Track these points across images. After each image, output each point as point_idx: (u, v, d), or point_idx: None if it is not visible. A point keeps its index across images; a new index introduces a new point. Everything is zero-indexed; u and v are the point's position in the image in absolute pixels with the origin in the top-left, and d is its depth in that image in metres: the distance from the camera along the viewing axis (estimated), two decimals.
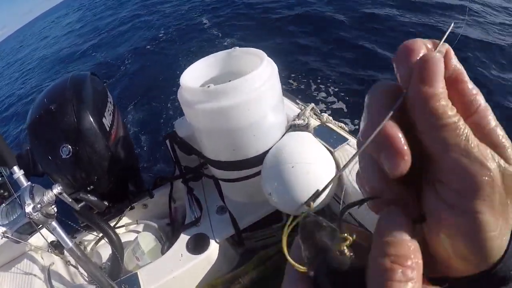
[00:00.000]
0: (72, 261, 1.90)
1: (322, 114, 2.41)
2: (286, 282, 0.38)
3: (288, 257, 0.36)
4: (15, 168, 1.73)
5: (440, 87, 0.33)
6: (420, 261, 0.33)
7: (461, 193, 0.33)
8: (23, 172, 1.74)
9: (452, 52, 0.36)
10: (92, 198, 2.34)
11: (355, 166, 1.76)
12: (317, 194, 0.43)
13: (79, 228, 2.47)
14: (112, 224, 2.48)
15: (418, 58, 0.34)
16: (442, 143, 0.34)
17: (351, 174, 1.99)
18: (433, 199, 0.36)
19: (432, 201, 0.36)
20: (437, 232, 0.36)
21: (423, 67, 0.34)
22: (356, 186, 1.90)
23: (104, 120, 2.36)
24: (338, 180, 2.07)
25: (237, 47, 2.32)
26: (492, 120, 0.36)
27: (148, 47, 11.67)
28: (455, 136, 0.33)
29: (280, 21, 9.61)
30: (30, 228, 1.59)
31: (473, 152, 0.33)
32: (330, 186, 1.95)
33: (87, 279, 2.33)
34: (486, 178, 0.33)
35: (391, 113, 0.34)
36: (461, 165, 0.33)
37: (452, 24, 0.39)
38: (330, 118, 2.39)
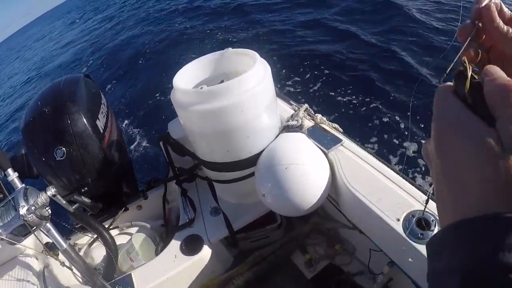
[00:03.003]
0: (67, 263, 1.90)
1: (316, 114, 2.42)
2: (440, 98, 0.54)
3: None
4: (10, 170, 1.73)
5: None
6: None
7: None
8: (18, 175, 1.74)
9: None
10: (86, 199, 2.34)
11: (348, 167, 1.78)
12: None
13: (73, 230, 2.47)
14: (106, 226, 2.49)
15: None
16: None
17: (345, 175, 2.00)
18: None
19: None
20: None
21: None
22: (350, 187, 1.92)
23: (97, 122, 2.36)
24: (332, 181, 2.08)
25: (230, 48, 2.33)
26: None
27: (141, 49, 11.66)
28: None
29: (274, 23, 9.63)
30: (25, 229, 1.59)
31: None
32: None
33: (81, 280, 2.33)
34: None
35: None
36: None
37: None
38: (324, 119, 2.40)
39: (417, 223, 1.64)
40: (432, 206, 1.70)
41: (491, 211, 0.40)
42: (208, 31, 11.12)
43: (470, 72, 0.53)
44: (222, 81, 2.10)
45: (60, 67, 15.94)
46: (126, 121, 7.26)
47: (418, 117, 4.93)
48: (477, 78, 0.52)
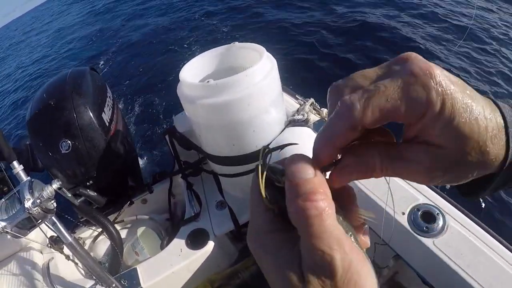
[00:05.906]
0: (72, 256, 1.90)
1: (322, 109, 2.40)
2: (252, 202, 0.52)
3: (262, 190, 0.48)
4: (15, 163, 1.72)
5: None
6: (328, 190, 0.41)
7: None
8: (23, 167, 1.74)
9: None
10: (92, 193, 2.34)
11: None
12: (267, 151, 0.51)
13: (78, 223, 2.47)
14: (111, 219, 2.48)
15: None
16: None
17: None
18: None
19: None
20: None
21: None
22: (355, 181, 1.90)
23: (103, 115, 2.35)
24: None
25: (237, 42, 2.31)
26: None
27: (147, 41, 11.64)
28: None
29: (281, 19, 9.60)
30: (30, 223, 1.59)
31: None
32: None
33: (86, 274, 2.34)
34: None
35: None
36: None
37: None
38: None
39: (422, 217, 1.64)
40: (438, 199, 1.70)
41: None
42: (215, 25, 11.08)
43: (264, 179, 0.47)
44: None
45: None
46: (131, 114, 7.25)
47: None
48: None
